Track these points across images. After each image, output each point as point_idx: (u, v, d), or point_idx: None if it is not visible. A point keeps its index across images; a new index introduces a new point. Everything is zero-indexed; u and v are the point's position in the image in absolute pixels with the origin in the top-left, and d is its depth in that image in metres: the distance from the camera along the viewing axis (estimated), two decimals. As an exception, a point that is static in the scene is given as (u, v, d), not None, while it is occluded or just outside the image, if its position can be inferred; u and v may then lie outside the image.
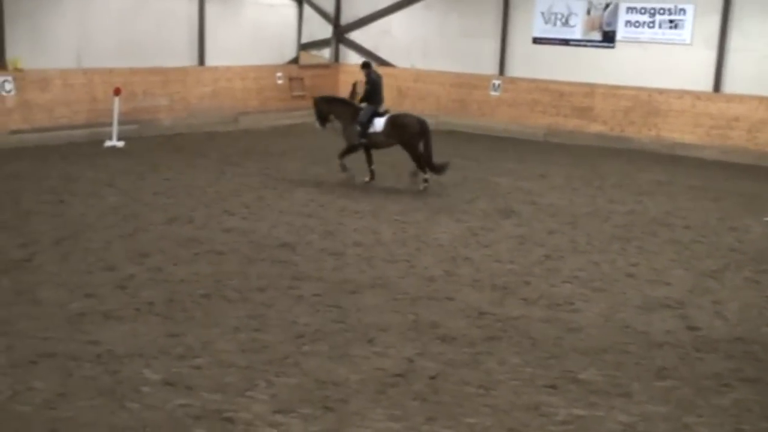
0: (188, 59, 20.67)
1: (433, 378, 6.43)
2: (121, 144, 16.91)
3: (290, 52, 23.25)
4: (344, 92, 23.57)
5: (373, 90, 14.18)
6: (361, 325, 7.52)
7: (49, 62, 17.54)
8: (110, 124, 17.13)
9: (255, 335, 7.16)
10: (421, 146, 13.82)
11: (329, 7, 23.81)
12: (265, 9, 22.19)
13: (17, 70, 16.90)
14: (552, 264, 9.83)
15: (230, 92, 21.53)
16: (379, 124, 13.96)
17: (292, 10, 22.95)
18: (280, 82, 22.79)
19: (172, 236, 10.32)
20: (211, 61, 21.06)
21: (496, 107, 21.78)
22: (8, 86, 16.69)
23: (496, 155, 17.99)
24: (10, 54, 16.96)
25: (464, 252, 10.17)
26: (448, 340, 7.24)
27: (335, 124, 14.78)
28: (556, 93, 20.86)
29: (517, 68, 21.65)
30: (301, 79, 23.17)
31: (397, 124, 13.97)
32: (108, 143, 16.97)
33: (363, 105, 14.32)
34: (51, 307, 7.67)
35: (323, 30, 23.82)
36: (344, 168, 14.33)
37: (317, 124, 14.88)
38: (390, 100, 22.95)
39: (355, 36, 23.90)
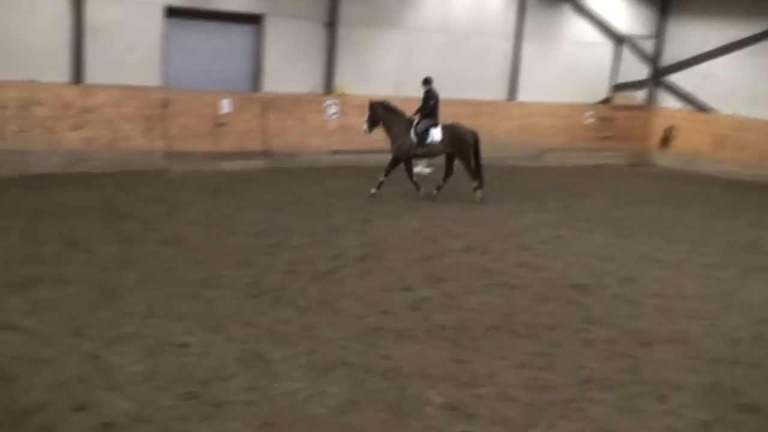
0: (499, 93, 21.05)
1: (730, 448, 5.92)
2: (428, 170, 17.57)
3: (602, 92, 22.84)
4: (656, 137, 22.77)
5: (436, 106, 14.83)
6: (653, 380, 7.12)
7: (371, 90, 18.68)
8: (421, 151, 17.87)
9: (540, 373, 7.04)
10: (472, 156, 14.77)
11: (649, 47, 23.05)
12: (581, 48, 22.01)
13: (342, 95, 18.23)
14: None
15: (537, 128, 21.58)
16: (437, 134, 14.60)
17: (608, 49, 22.55)
18: (588, 121, 22.45)
19: (468, 264, 10.49)
20: (521, 96, 21.28)
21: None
22: (333, 110, 18.04)
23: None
24: (339, 81, 18.35)
25: (777, 317, 9.29)
26: (749, 410, 6.63)
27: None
28: None
29: None
30: (611, 119, 22.64)
31: (454, 134, 14.70)
32: (418, 169, 17.70)
33: (416, 117, 14.77)
34: (350, 318, 8.09)
35: (639, 71, 23.10)
36: (418, 188, 14.86)
37: (365, 127, 14.93)
38: (705, 147, 21.78)
39: (674, 78, 22.91)
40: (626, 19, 22.49)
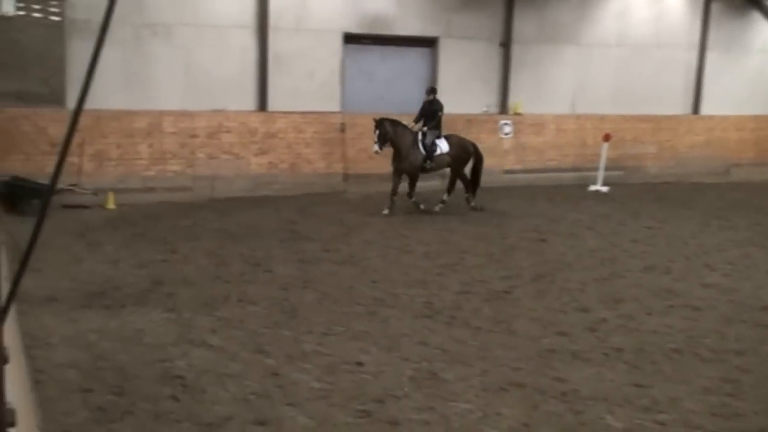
0: (681, 107, 20.24)
1: None
2: (605, 189, 17.13)
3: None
4: None
5: (441, 117, 14.31)
6: None
7: (546, 108, 18.51)
8: (596, 169, 17.46)
9: (727, 400, 6.65)
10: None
11: None
12: (771, 56, 20.84)
13: (516, 114, 18.13)
14: None
15: (724, 142, 20.58)
16: (444, 145, 14.22)
17: (805, 56, 21.20)
18: (782, 133, 21.15)
19: (648, 285, 10.12)
20: (705, 109, 20.36)
21: None
22: (507, 129, 17.97)
23: None
24: (513, 100, 18.27)
25: None
26: None
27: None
28: None
29: None
30: (807, 131, 21.23)
31: (460, 145, 14.36)
32: (592, 187, 17.31)
33: (418, 127, 14.32)
34: (524, 339, 7.99)
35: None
36: (418, 205, 14.63)
37: (376, 147, 14.26)
38: None
39: None
40: (822, 23, 21.07)
